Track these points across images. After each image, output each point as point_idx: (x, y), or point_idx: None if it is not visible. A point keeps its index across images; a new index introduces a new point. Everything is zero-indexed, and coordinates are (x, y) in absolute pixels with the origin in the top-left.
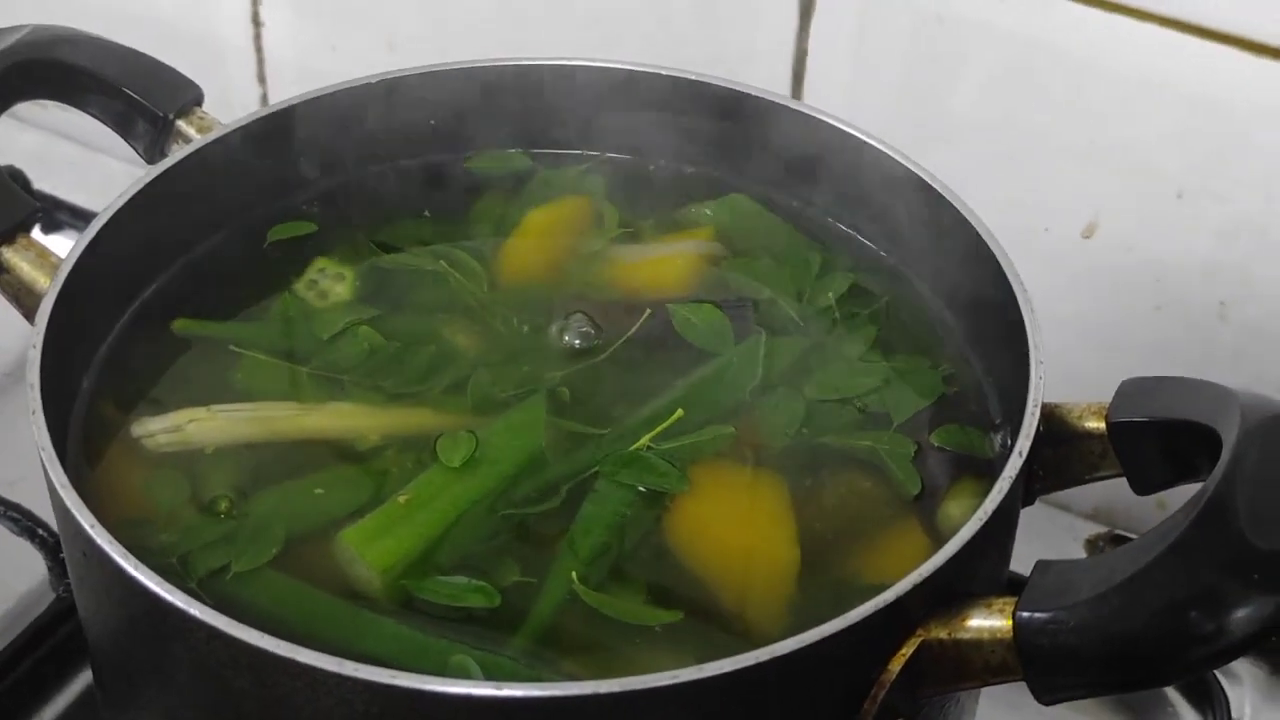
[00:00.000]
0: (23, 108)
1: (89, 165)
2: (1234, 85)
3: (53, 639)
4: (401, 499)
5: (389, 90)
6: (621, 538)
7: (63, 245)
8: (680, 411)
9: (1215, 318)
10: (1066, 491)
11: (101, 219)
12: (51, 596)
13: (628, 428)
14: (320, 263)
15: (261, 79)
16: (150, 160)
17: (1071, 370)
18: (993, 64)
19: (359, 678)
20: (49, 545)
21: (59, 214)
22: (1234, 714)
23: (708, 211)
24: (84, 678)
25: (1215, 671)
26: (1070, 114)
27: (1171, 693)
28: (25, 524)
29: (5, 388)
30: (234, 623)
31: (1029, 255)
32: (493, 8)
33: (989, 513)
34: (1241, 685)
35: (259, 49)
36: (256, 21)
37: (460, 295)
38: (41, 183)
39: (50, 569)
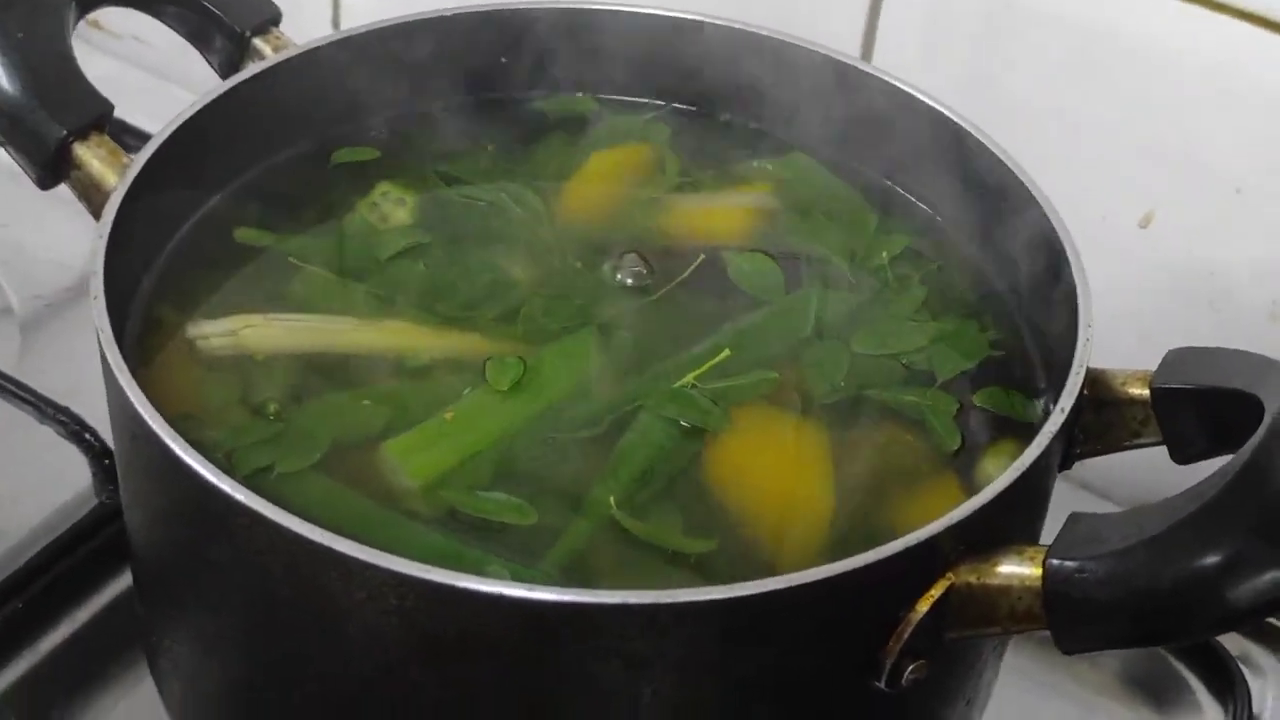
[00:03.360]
0: (97, 36)
1: (161, 93)
2: None
3: (93, 542)
4: (447, 415)
5: (463, 24)
6: (660, 469)
7: None
8: (727, 351)
9: (1266, 317)
10: (1107, 481)
11: (173, 125)
12: (94, 502)
13: (674, 365)
14: (383, 186)
15: (335, 23)
16: (224, 76)
17: (1121, 360)
18: (1059, 50)
19: (393, 569)
20: (95, 451)
21: (128, 138)
22: (1255, 705)
23: (769, 167)
24: (122, 582)
25: (1239, 663)
26: (1133, 105)
27: (1194, 681)
28: (74, 428)
29: (67, 301)
30: (275, 509)
31: (1084, 243)
32: None
33: (1026, 464)
34: (1264, 677)
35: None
36: None
37: (518, 228)
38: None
39: (95, 475)
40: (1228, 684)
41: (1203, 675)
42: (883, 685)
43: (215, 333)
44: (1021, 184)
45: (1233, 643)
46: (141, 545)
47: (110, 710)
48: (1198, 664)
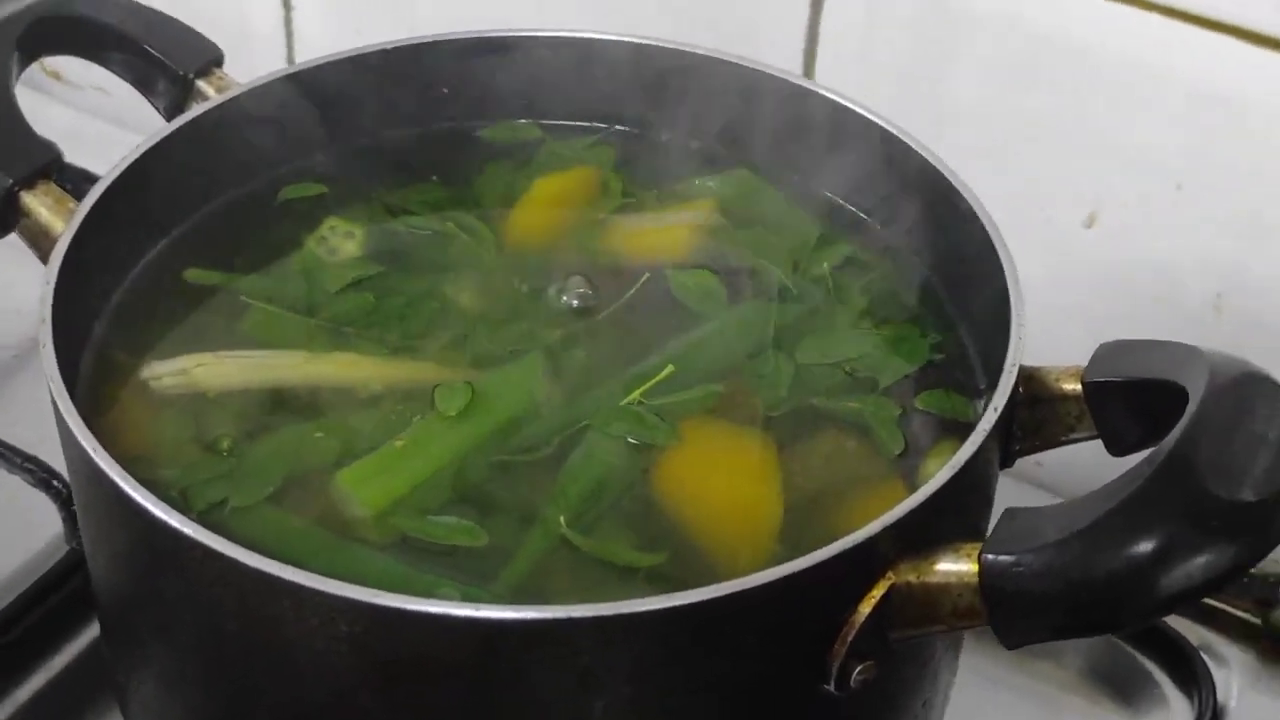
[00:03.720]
0: (58, 88)
1: (122, 142)
2: (1235, 77)
3: (65, 589)
4: (398, 443)
5: (402, 57)
6: (609, 486)
7: None
8: (671, 368)
9: (1211, 309)
10: (1060, 477)
11: (118, 169)
12: (64, 550)
13: (620, 383)
14: (331, 221)
15: (289, 53)
16: (169, 119)
17: (1071, 357)
18: (996, 52)
19: (342, 594)
20: (63, 497)
21: (88, 186)
22: (1220, 697)
23: (711, 185)
24: (94, 628)
25: (1202, 655)
26: (1073, 104)
27: (1158, 674)
28: (41, 475)
29: (29, 351)
30: (225, 541)
31: (1029, 244)
32: None
33: (961, 462)
34: (1228, 668)
35: (289, 32)
36: (287, 5)
37: (465, 256)
38: (72, 157)
39: (64, 520)
40: (1191, 675)
41: (1166, 668)
42: (832, 688)
43: (167, 372)
44: (954, 188)
45: (1195, 634)
46: (103, 587)
47: None
48: (1161, 657)
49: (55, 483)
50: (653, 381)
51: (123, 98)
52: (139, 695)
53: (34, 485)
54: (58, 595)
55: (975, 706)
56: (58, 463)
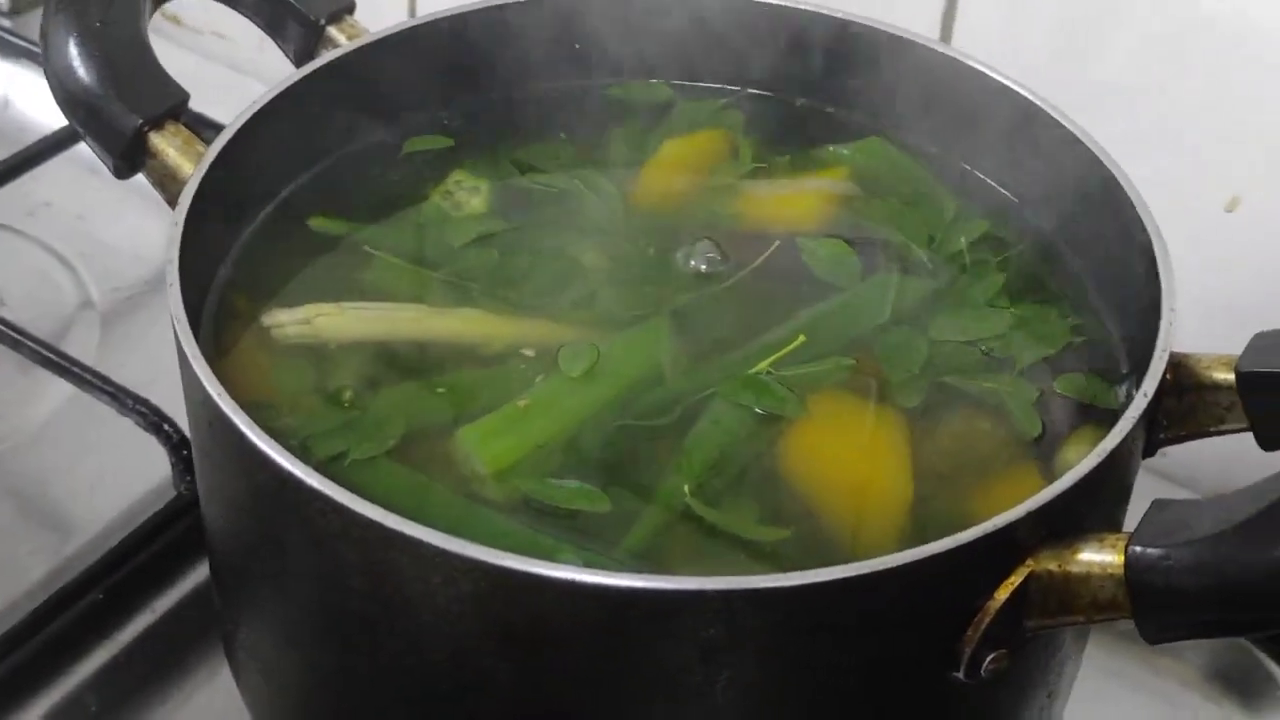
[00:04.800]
0: (177, 31)
1: (239, 87)
2: None
3: (171, 532)
4: (521, 403)
5: (536, 10)
6: (734, 457)
7: None
8: (802, 338)
9: None
10: (1190, 471)
11: (247, 113)
12: (172, 493)
13: (748, 352)
14: (457, 175)
15: (412, 4)
16: (298, 65)
17: (1208, 346)
18: (1146, 32)
19: (466, 554)
20: (173, 441)
21: (206, 132)
22: None
23: (844, 152)
24: (199, 573)
25: None
26: (1221, 88)
27: None
28: (153, 419)
29: (145, 293)
30: (349, 494)
31: (1170, 226)
32: None
33: (1108, 449)
34: None
35: None
36: None
37: (592, 215)
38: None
39: (174, 465)
40: None
41: None
42: (961, 676)
43: (290, 321)
44: (1103, 166)
45: None
46: (218, 534)
47: (188, 700)
48: None
49: (166, 427)
50: (784, 351)
51: (241, 44)
52: (248, 643)
53: (144, 428)
54: (164, 539)
55: (1094, 700)
56: (168, 406)
